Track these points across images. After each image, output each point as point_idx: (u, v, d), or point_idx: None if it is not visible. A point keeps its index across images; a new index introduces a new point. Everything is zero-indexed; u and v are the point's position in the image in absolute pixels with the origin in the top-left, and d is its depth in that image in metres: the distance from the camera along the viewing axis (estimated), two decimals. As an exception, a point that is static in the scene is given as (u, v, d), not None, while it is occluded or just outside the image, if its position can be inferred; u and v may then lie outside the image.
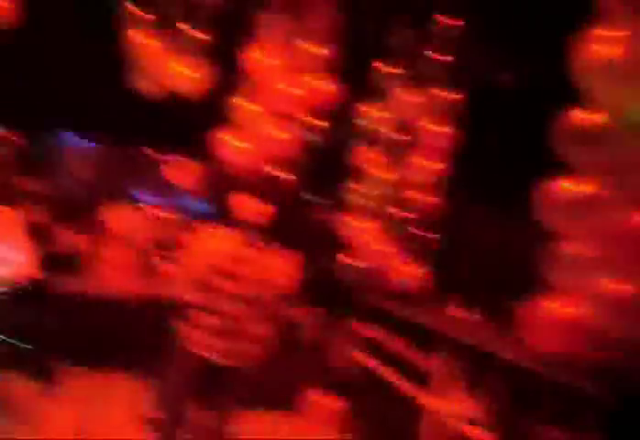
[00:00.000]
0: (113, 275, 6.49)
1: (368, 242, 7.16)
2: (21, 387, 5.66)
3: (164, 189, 8.90)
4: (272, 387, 5.80)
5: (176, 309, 4.47)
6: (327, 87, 6.48)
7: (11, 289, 4.56)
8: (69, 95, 7.89)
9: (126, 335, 5.48)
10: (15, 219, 4.52)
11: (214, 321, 4.41)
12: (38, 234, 5.74)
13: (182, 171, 8.75)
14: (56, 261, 5.74)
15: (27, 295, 4.75)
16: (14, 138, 7.48)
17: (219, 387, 4.48)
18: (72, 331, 5.62)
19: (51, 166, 8.41)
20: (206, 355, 4.39)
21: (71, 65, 7.70)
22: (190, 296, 4.40)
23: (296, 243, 4.93)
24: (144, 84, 6.72)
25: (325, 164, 7.13)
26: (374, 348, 6.33)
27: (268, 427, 5.80)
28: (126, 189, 8.77)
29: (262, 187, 4.87)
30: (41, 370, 5.54)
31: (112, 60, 6.93)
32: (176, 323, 4.48)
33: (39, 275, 4.73)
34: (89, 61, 7.44)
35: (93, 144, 9.15)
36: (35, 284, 4.82)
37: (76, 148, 8.97)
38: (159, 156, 9.33)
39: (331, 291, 6.83)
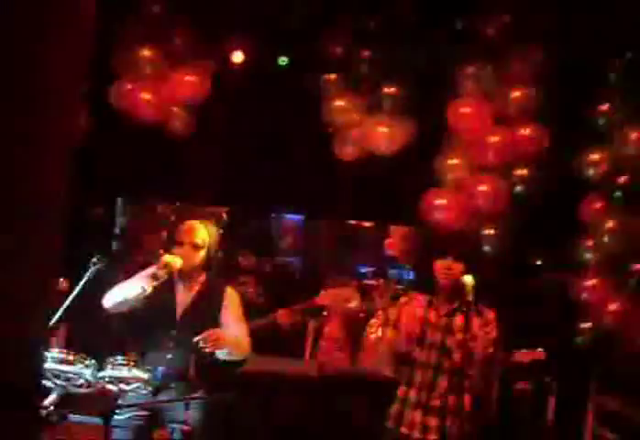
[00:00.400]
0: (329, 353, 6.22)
1: (603, 302, 6.44)
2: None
3: (376, 259, 8.61)
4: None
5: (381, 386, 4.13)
6: (539, 135, 5.99)
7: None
8: (280, 172, 7.84)
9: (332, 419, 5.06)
10: (234, 297, 4.47)
11: (422, 397, 4.08)
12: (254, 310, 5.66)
13: (393, 239, 8.45)
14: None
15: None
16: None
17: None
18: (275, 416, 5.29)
19: (268, 242, 8.36)
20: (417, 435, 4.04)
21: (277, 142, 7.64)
22: (396, 371, 4.08)
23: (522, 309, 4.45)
24: (347, 151, 6.54)
25: (546, 218, 6.52)
26: (617, 422, 5.61)
27: None
28: (343, 262, 8.54)
29: (472, 248, 4.41)
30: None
31: (311, 133, 6.86)
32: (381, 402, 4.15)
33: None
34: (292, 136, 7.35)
35: (304, 218, 9.03)
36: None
37: (288, 223, 8.90)
38: (368, 226, 9.12)
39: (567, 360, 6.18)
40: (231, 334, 4.28)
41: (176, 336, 4.27)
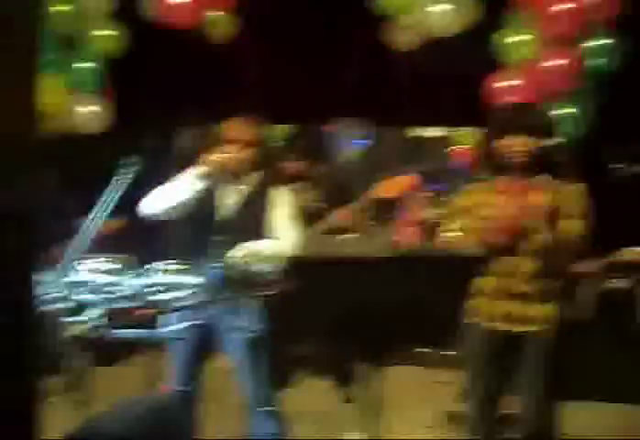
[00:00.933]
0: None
1: None
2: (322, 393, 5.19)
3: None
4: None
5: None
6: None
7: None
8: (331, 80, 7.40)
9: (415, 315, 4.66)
10: (285, 196, 4.11)
11: (503, 284, 3.64)
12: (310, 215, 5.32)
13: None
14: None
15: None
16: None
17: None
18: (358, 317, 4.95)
19: (325, 150, 7.96)
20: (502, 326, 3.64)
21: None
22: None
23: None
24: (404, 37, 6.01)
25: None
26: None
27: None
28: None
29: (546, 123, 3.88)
30: (341, 372, 4.98)
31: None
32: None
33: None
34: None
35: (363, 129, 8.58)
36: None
37: (347, 132, 8.46)
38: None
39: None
40: (277, 238, 3.94)
41: (222, 241, 3.89)
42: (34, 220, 1.64)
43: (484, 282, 3.73)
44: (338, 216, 5.39)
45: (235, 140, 3.94)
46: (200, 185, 3.88)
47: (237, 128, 3.98)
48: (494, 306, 3.67)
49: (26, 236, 1.61)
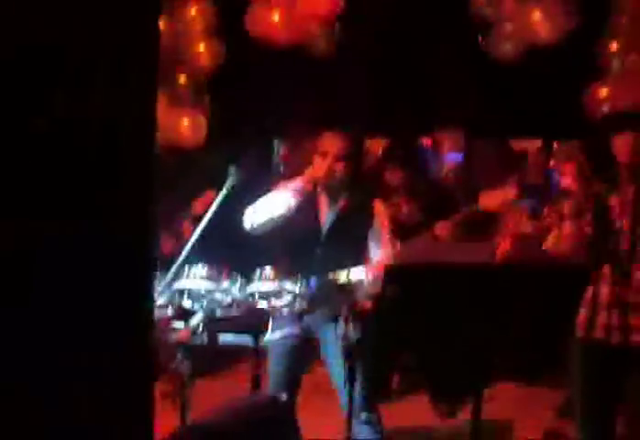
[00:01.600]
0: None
1: None
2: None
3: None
4: None
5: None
6: None
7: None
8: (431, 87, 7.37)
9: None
10: (383, 213, 4.11)
11: (617, 293, 3.47)
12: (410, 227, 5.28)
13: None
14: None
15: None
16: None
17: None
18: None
19: (422, 162, 7.92)
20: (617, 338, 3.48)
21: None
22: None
23: None
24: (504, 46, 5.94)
25: None
26: None
27: None
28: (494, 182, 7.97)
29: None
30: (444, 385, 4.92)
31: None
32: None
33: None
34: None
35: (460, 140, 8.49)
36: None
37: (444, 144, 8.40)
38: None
39: None
40: (379, 254, 3.95)
41: (321, 256, 3.92)
42: (153, 233, 1.70)
43: (596, 293, 3.57)
44: (438, 229, 5.35)
45: (332, 153, 3.95)
46: (299, 198, 3.91)
47: (334, 141, 3.99)
48: (609, 318, 3.50)
49: (148, 249, 1.66)
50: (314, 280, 3.71)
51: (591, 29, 5.59)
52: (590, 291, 3.57)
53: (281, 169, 7.53)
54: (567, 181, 5.14)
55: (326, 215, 4.04)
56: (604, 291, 3.51)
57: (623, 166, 3.57)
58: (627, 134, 3.52)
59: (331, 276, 3.80)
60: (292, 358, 3.97)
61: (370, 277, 3.87)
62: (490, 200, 5.10)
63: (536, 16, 5.62)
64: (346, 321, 3.80)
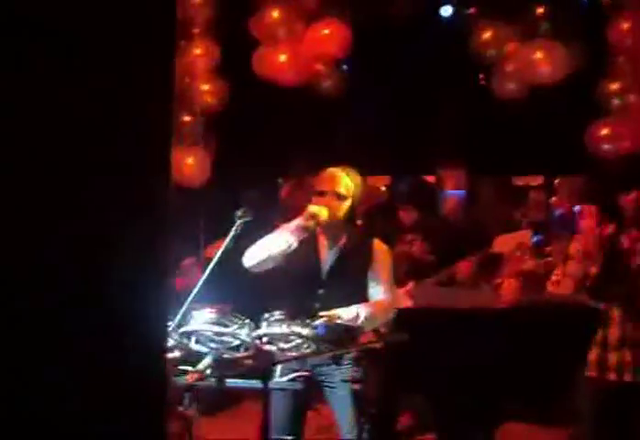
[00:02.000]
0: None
1: None
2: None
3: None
4: None
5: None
6: None
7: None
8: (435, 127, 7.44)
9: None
10: (384, 252, 4.11)
11: (627, 333, 3.53)
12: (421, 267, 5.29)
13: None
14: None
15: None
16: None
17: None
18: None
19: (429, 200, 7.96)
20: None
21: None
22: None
23: None
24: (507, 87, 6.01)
25: None
26: None
27: None
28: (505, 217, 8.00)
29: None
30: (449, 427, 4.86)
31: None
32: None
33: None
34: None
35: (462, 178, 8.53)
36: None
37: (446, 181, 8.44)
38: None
39: None
40: (379, 293, 3.96)
41: (323, 295, 3.93)
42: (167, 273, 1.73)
43: (607, 332, 3.62)
44: (459, 269, 5.33)
45: (329, 191, 3.97)
46: (298, 235, 3.93)
47: (332, 180, 4.01)
48: (621, 357, 3.55)
49: (164, 290, 1.70)
50: (317, 324, 3.71)
51: (593, 69, 5.65)
52: (600, 331, 3.59)
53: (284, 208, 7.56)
54: (588, 224, 5.19)
55: (327, 255, 4.06)
56: (615, 330, 3.54)
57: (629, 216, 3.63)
58: (635, 192, 3.59)
59: (335, 316, 3.81)
60: (299, 400, 3.97)
61: (373, 316, 3.89)
62: (505, 245, 5.15)
63: (539, 56, 5.67)
64: (350, 364, 3.81)
